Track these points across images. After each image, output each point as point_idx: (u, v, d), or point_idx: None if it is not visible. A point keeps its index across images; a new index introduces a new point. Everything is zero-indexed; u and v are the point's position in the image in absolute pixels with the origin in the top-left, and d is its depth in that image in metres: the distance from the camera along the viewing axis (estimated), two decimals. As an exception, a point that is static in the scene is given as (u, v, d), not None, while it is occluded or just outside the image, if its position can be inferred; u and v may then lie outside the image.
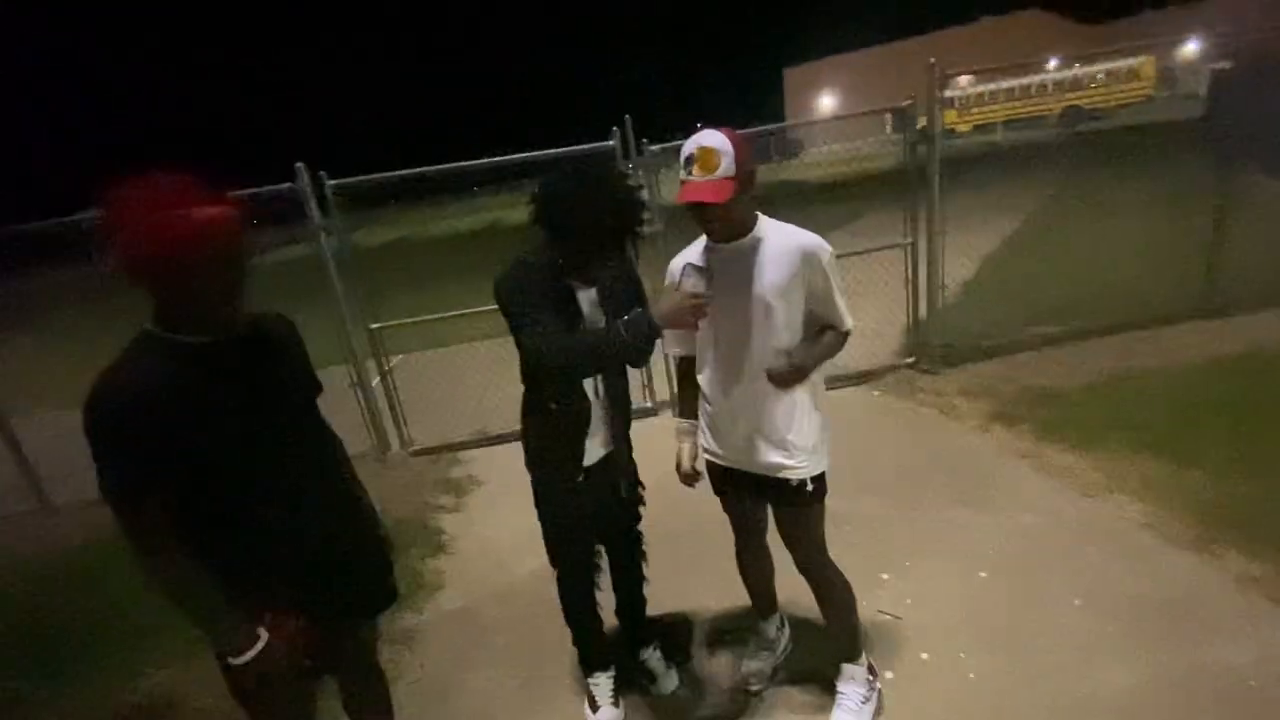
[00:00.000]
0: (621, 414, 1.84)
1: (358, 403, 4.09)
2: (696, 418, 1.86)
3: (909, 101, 3.94)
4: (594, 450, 1.79)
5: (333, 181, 3.65)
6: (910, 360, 4.39)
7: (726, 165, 1.47)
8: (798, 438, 1.67)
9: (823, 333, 1.67)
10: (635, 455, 1.97)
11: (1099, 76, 22.67)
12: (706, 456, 1.86)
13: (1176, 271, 4.60)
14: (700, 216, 1.56)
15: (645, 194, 1.59)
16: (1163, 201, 6.74)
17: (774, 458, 1.69)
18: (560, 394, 1.70)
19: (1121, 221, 6.40)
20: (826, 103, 40.54)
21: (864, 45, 45.04)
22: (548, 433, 1.77)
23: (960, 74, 3.86)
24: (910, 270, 4.31)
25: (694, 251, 1.70)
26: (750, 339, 1.63)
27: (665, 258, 3.99)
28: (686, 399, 1.89)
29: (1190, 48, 28.08)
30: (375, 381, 4.20)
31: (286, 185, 3.60)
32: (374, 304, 4.09)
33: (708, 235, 1.63)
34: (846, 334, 1.68)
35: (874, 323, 4.41)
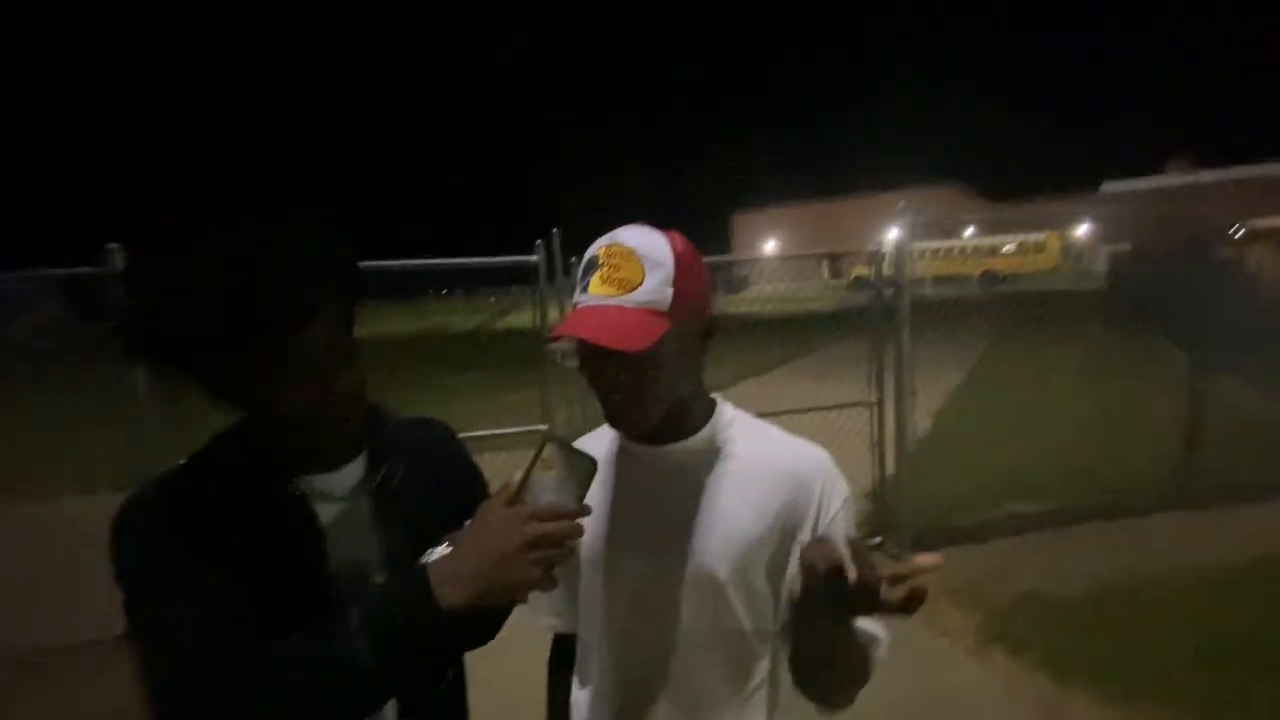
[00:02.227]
0: None
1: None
2: None
3: (875, 246, 3.55)
4: None
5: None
6: (877, 541, 3.66)
7: (655, 285, 0.73)
8: None
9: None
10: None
11: (1010, 246, 25.18)
12: None
13: (1148, 451, 4.26)
14: (596, 378, 0.78)
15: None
16: (1099, 368, 6.83)
17: None
18: None
19: (1067, 385, 6.33)
20: (770, 246, 43.32)
21: (803, 200, 49.54)
22: None
23: (931, 222, 3.53)
24: (875, 432, 3.71)
25: (593, 445, 0.89)
26: (676, 641, 0.82)
27: (584, 418, 3.38)
28: (561, 715, 0.97)
29: (1084, 229, 31.98)
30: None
31: (92, 268, 2.73)
32: (199, 429, 3.06)
33: (609, 419, 0.82)
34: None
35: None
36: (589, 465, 0.68)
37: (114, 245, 2.68)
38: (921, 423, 5.34)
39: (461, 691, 0.92)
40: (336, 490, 0.77)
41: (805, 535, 0.80)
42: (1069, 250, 26.24)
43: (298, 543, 0.73)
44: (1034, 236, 24.49)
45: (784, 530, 0.81)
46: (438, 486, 0.85)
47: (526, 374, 3.64)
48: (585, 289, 0.76)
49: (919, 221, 3.45)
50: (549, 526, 0.64)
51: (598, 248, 0.77)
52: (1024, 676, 2.54)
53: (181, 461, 0.76)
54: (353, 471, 0.79)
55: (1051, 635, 2.76)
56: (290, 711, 0.61)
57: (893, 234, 3.52)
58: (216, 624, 0.64)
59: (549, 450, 0.68)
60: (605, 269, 0.74)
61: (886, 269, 3.56)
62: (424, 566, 0.65)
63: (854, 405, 3.74)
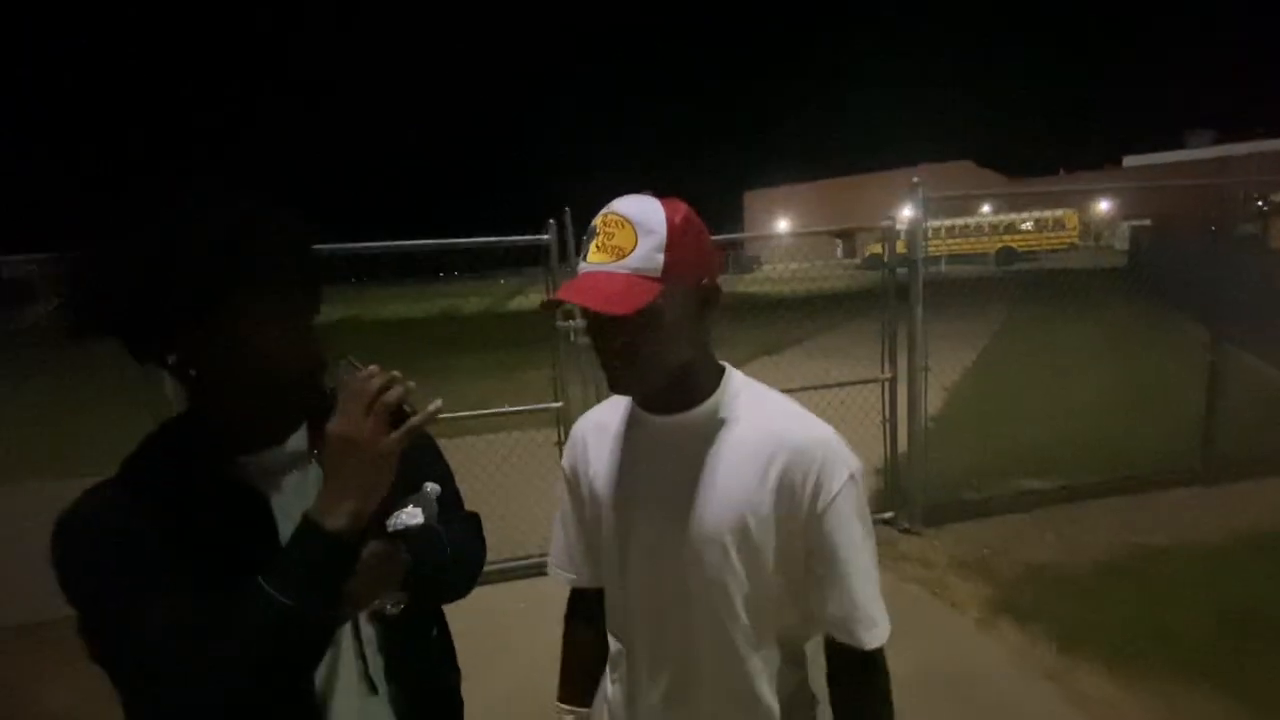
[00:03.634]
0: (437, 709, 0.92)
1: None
2: (587, 704, 1.01)
3: (888, 222, 3.53)
4: None
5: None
6: (888, 515, 3.70)
7: (646, 251, 0.74)
8: None
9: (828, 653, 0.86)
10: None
11: (1028, 224, 24.73)
12: None
13: (1163, 428, 4.23)
14: (596, 343, 0.82)
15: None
16: (1117, 345, 6.76)
17: None
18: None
19: (1083, 362, 6.27)
20: (782, 225, 42.89)
21: (815, 178, 48.88)
22: None
23: (944, 197, 3.50)
24: (887, 408, 3.73)
25: (612, 411, 0.96)
26: (686, 600, 0.85)
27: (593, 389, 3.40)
28: (574, 663, 1.04)
29: (1103, 205, 31.36)
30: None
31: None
32: None
33: (610, 384, 0.83)
34: (872, 660, 0.83)
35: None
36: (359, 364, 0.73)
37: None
38: (935, 399, 5.35)
39: (448, 647, 0.96)
40: (282, 463, 0.78)
41: (804, 511, 0.80)
42: (1089, 227, 25.78)
43: (247, 522, 0.73)
44: (1052, 213, 24.04)
45: (781, 502, 0.81)
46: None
47: (539, 353, 3.68)
48: (584, 257, 0.78)
49: (933, 198, 3.43)
50: (379, 408, 0.68)
51: (598, 217, 0.79)
52: (1031, 647, 2.58)
53: (116, 470, 0.74)
54: (296, 443, 0.80)
55: (1060, 607, 2.79)
56: (245, 684, 0.62)
57: (906, 211, 3.51)
58: (173, 622, 0.63)
59: (341, 370, 0.73)
60: (601, 237, 0.77)
61: (900, 246, 3.54)
62: (306, 511, 0.68)
63: (866, 382, 3.76)
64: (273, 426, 0.78)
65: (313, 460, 0.80)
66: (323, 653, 0.71)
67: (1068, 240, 23.86)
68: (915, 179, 3.38)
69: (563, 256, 3.26)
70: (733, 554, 0.82)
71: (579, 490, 0.98)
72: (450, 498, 0.92)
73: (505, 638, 2.78)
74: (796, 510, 0.80)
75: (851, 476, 0.81)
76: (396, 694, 0.83)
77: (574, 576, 1.03)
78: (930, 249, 3.51)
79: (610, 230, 0.76)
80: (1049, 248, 23.47)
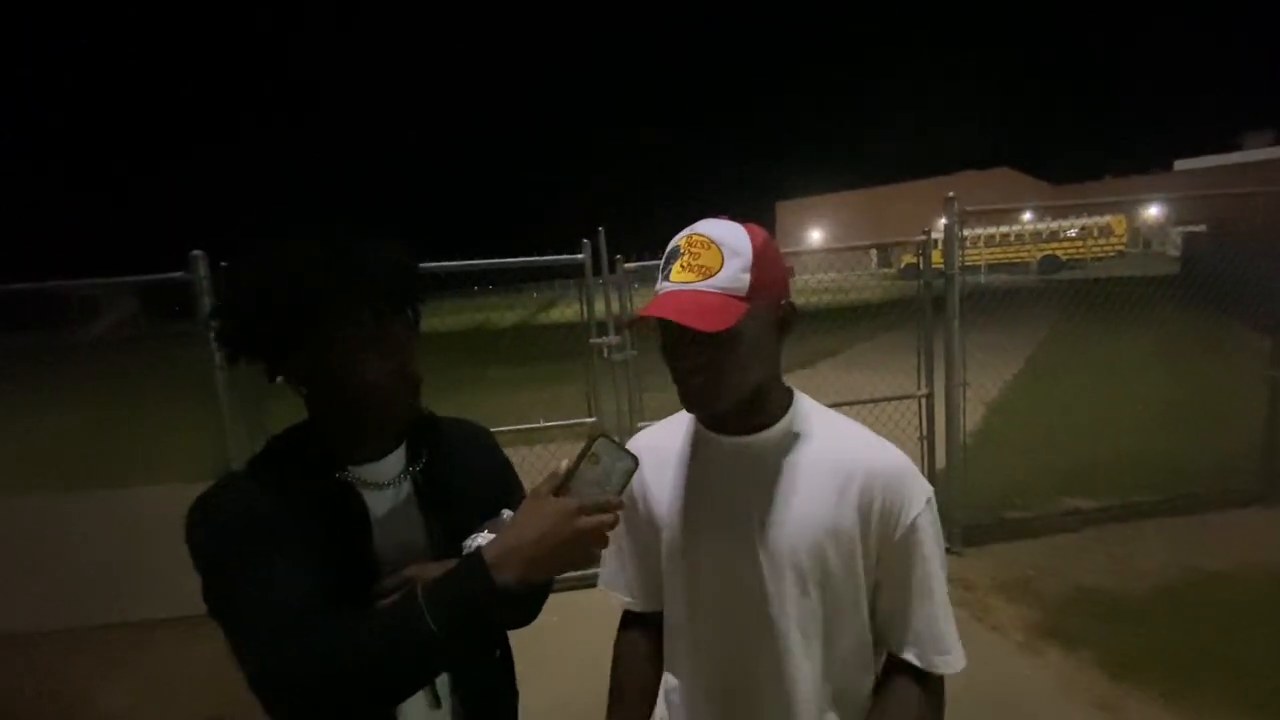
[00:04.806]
0: None
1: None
2: None
3: (924, 236, 3.49)
4: None
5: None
6: (926, 534, 3.61)
7: (734, 270, 0.75)
8: None
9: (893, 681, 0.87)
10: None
11: (1072, 231, 23.95)
12: None
13: (1221, 445, 4.04)
14: (674, 360, 0.80)
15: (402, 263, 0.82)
16: (1170, 357, 6.49)
17: None
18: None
19: (1134, 375, 6.04)
20: (815, 236, 42.47)
21: (851, 187, 48.34)
22: None
23: (980, 210, 3.44)
24: (925, 425, 3.66)
25: (669, 434, 0.95)
26: (766, 624, 0.85)
27: (632, 404, 3.43)
28: (625, 686, 0.97)
29: (1153, 211, 30.17)
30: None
31: (179, 274, 2.95)
32: (270, 405, 3.18)
33: (685, 401, 0.83)
34: (939, 687, 0.87)
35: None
36: (631, 463, 0.73)
37: (198, 252, 2.89)
38: (975, 414, 5.21)
39: (509, 669, 1.00)
40: (380, 478, 0.85)
41: (883, 533, 0.82)
42: (1138, 234, 24.83)
43: (348, 525, 0.81)
44: (1098, 220, 23.23)
45: (861, 522, 0.82)
46: (473, 476, 0.93)
47: (572, 367, 3.73)
48: (667, 276, 0.79)
49: (968, 209, 3.37)
50: (595, 520, 0.70)
51: (680, 238, 0.80)
52: (1079, 674, 2.49)
53: (242, 465, 0.85)
54: (394, 461, 0.87)
55: (1111, 632, 2.68)
56: (362, 670, 0.67)
57: (943, 222, 3.46)
58: (295, 588, 0.71)
59: (597, 446, 0.72)
60: (686, 257, 0.77)
61: (935, 258, 3.49)
62: (479, 548, 0.71)
63: (902, 398, 3.70)
64: (374, 443, 0.86)
65: (407, 478, 0.87)
66: (427, 682, 0.78)
67: (1115, 247, 23.03)
68: (950, 192, 3.33)
69: (596, 271, 3.32)
70: (808, 574, 0.83)
71: (635, 514, 0.97)
72: None
73: (539, 651, 2.79)
74: (875, 532, 0.82)
75: (929, 501, 0.83)
76: (458, 708, 0.88)
77: (629, 600, 1.01)
78: (968, 259, 3.44)
79: (696, 250, 0.77)
80: (1095, 255, 22.69)
